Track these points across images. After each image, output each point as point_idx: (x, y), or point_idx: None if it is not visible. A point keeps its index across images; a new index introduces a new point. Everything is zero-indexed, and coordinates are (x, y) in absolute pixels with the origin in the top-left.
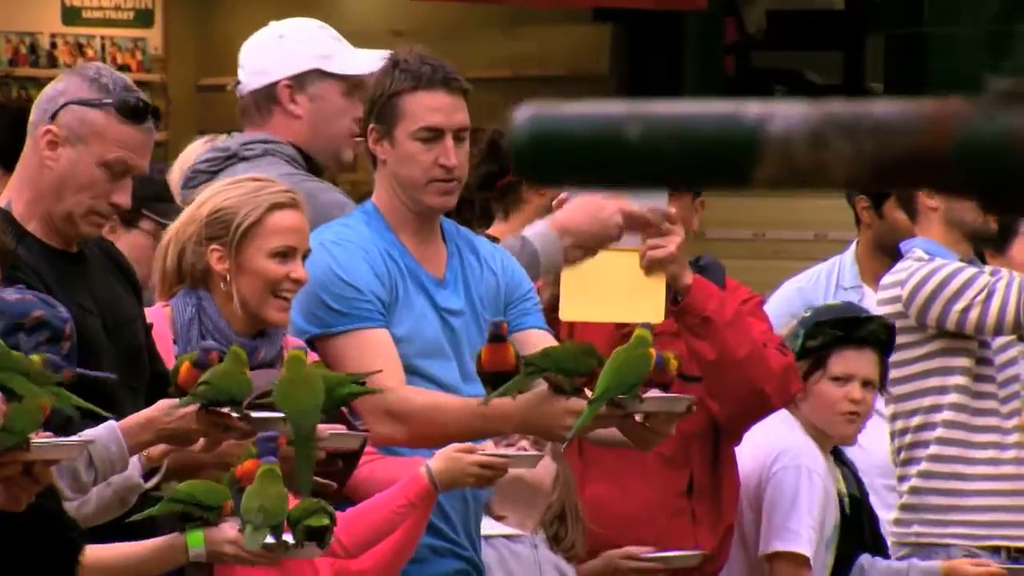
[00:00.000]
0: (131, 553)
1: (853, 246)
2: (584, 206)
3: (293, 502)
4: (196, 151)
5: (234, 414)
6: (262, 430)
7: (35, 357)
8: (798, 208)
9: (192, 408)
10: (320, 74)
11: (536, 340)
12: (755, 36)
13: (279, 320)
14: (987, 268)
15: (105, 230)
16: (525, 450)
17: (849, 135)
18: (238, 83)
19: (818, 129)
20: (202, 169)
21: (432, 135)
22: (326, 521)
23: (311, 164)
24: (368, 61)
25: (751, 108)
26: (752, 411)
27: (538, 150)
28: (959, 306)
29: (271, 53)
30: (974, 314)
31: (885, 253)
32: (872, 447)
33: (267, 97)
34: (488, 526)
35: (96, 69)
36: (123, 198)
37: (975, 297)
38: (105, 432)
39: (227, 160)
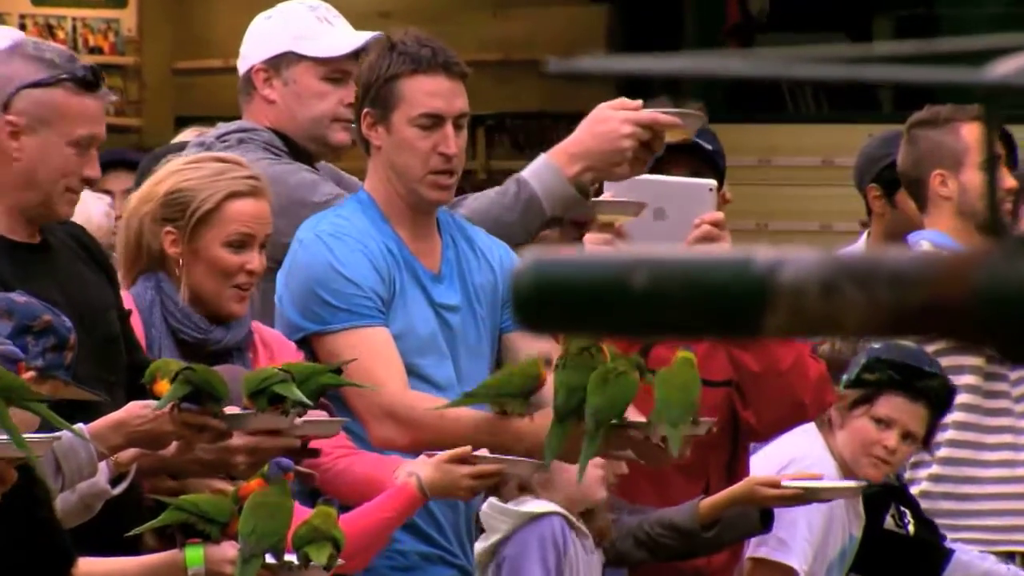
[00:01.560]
0: (126, 568)
1: (863, 238)
2: (586, 124)
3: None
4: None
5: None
6: (236, 429)
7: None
8: (803, 198)
9: (165, 409)
10: (295, 56)
11: (534, 341)
12: (758, 18)
13: (237, 312)
14: None
15: None
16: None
17: (863, 284)
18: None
19: (830, 278)
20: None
21: (432, 122)
22: (328, 554)
23: (293, 148)
24: (345, 43)
25: (760, 254)
26: (787, 421)
27: (541, 298)
28: None
29: (254, 36)
30: None
31: (897, 243)
32: None
33: (247, 81)
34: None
35: (34, 44)
36: (93, 170)
37: None
38: (73, 436)
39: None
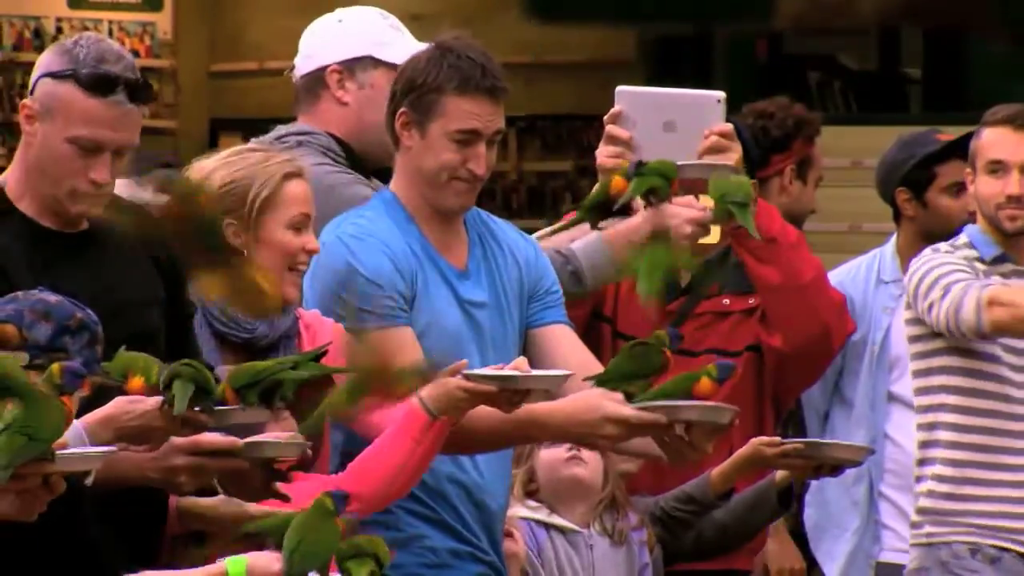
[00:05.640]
0: None
1: (893, 239)
2: (649, 215)
3: None
4: None
5: (197, 408)
6: (221, 423)
7: (54, 367)
8: (831, 198)
9: (154, 404)
10: (373, 61)
11: (559, 336)
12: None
13: (294, 297)
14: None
15: None
16: None
17: None
18: (293, 68)
19: None
20: None
21: (467, 137)
22: (369, 570)
23: (350, 154)
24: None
25: None
26: (813, 349)
27: None
28: (924, 304)
29: (326, 37)
30: (935, 312)
31: (934, 242)
32: (908, 444)
33: (316, 81)
34: (544, 513)
35: (77, 39)
36: (100, 174)
37: (936, 295)
38: (71, 432)
39: None
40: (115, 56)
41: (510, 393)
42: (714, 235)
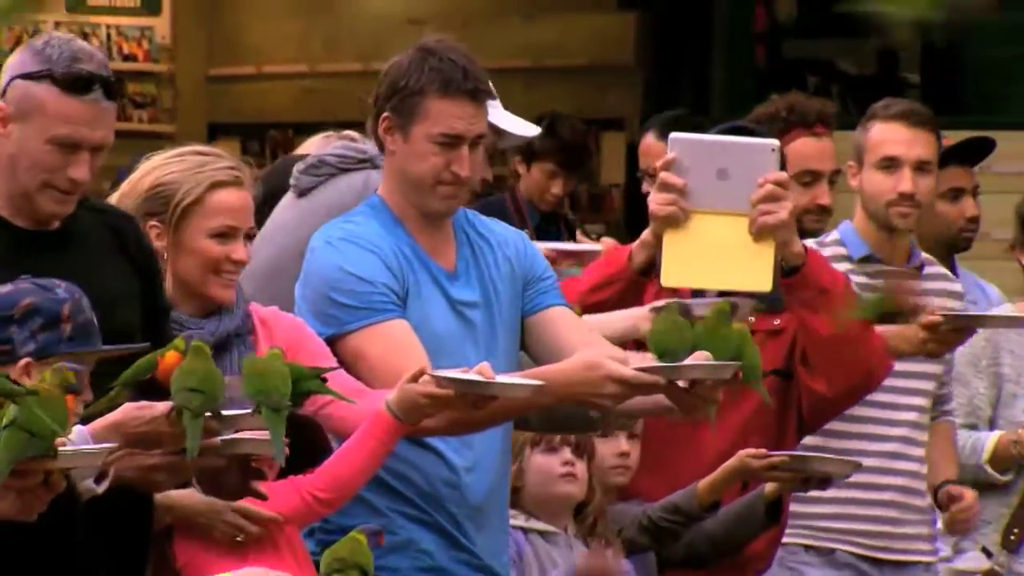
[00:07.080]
0: None
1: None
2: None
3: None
4: (316, 145)
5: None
6: (230, 428)
7: (66, 371)
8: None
9: (163, 410)
10: None
11: (558, 318)
12: (785, 24)
13: (223, 297)
14: None
15: None
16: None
17: None
18: None
19: None
20: (331, 163)
21: (450, 141)
22: None
23: None
24: (525, 128)
25: None
26: (856, 391)
27: None
28: None
29: None
30: None
31: (933, 248)
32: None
33: None
34: (522, 519)
35: (47, 40)
36: (79, 172)
37: None
38: (77, 438)
39: (360, 163)
40: (87, 55)
41: (474, 397)
42: (766, 282)
